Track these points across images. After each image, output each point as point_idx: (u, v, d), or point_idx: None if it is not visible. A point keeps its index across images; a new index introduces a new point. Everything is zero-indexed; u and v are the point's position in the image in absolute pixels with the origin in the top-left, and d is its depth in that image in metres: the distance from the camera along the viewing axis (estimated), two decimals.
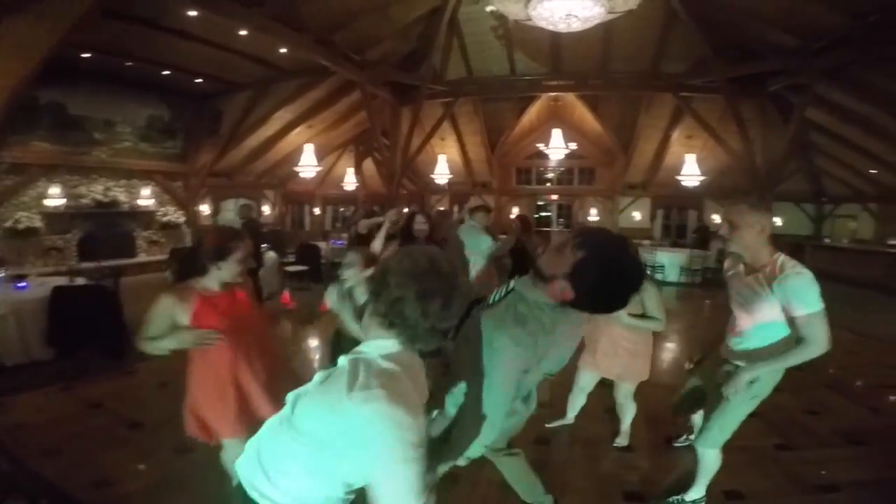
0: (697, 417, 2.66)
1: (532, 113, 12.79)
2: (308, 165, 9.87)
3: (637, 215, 15.14)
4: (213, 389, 1.94)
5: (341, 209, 17.08)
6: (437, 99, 10.87)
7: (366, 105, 9.48)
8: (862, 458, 2.88)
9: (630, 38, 8.86)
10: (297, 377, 2.35)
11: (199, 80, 8.75)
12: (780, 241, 1.99)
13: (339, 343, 2.47)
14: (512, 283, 1.30)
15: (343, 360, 0.98)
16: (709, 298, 8.54)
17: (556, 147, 11.23)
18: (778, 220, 12.77)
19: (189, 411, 1.98)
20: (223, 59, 7.88)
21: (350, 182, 14.15)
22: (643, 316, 2.70)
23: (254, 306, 2.12)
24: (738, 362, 2.05)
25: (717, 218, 14.54)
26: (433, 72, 9.77)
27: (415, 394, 0.97)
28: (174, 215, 10.69)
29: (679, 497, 2.35)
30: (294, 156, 10.83)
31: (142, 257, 9.95)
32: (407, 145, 10.45)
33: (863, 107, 8.51)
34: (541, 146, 12.02)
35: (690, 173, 10.93)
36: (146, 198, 9.95)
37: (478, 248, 4.39)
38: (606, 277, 1.11)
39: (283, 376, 2.16)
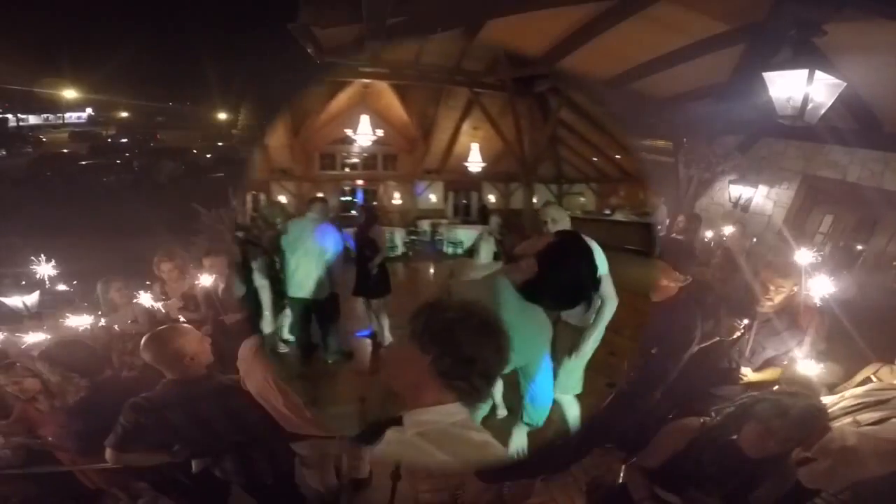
0: None
1: (342, 98, 12.61)
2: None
3: (433, 197, 16.86)
4: None
5: None
6: None
7: None
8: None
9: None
10: None
11: None
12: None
13: None
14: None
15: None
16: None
17: (364, 133, 11.52)
18: (535, 199, 16.33)
19: None
20: None
21: None
22: None
23: None
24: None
25: (492, 198, 17.48)
26: None
27: None
28: None
29: None
30: None
31: None
32: None
33: (592, 108, 11.56)
34: (348, 131, 12.07)
35: (475, 160, 13.00)
36: None
37: (320, 248, 3.84)
38: (566, 267, 1.39)
39: None
